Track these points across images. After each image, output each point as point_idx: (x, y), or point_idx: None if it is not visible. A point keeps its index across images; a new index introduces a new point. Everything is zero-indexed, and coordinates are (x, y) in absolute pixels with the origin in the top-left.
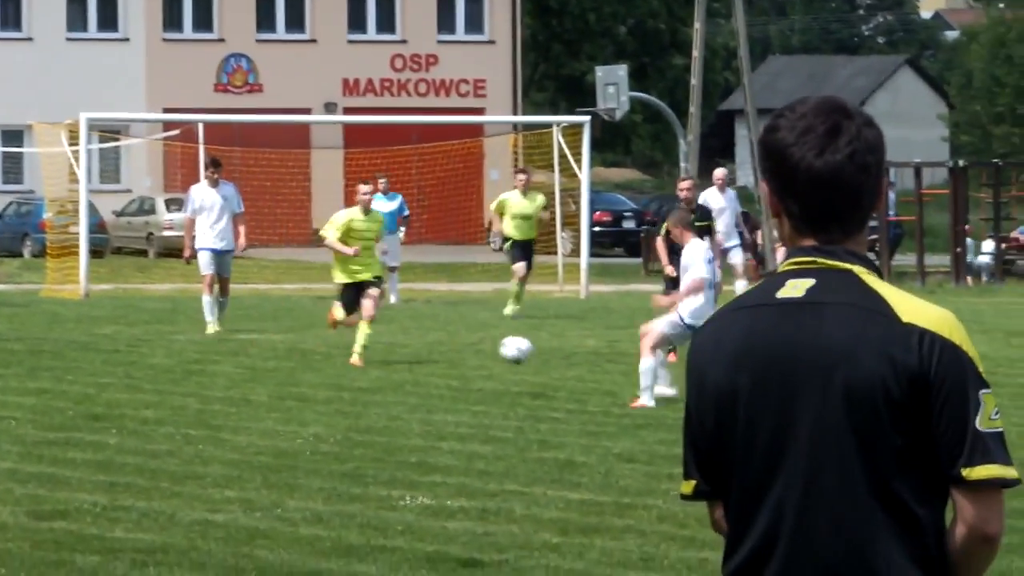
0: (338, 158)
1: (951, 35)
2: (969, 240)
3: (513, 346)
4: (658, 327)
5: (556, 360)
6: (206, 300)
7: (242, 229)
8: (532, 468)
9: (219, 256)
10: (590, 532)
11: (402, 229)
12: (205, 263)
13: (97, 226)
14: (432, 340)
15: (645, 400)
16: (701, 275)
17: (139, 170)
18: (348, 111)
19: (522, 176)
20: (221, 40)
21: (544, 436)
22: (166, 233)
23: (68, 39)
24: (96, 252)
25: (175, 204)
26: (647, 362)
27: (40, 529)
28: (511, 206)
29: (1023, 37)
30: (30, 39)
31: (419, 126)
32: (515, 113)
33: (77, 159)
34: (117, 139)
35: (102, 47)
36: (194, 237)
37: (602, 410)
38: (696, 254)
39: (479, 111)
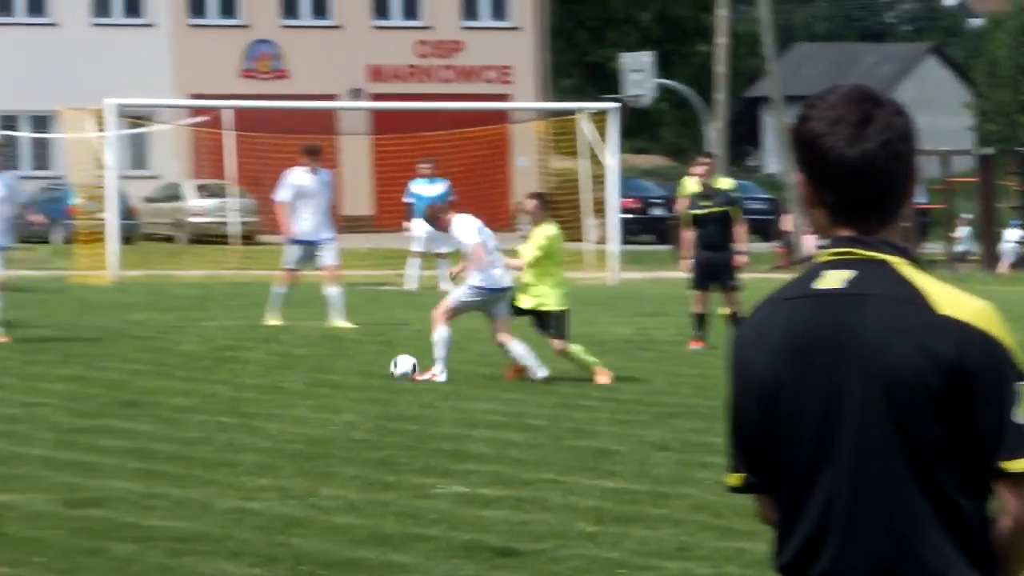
0: (365, 144)
1: (975, 23)
2: (966, 229)
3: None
4: (451, 299)
5: (587, 348)
6: (278, 291)
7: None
8: (566, 456)
9: (314, 246)
10: (626, 521)
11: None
12: (292, 258)
13: (126, 212)
14: (466, 327)
15: (437, 371)
16: (473, 242)
17: (167, 156)
18: (374, 97)
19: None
20: (246, 26)
21: (578, 424)
22: (194, 219)
23: (93, 25)
24: (125, 238)
25: (205, 190)
26: (440, 332)
27: (75, 517)
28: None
29: None
30: (55, 24)
31: (445, 113)
32: (541, 99)
33: (104, 145)
34: (143, 125)
35: (127, 33)
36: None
37: (634, 398)
38: (464, 228)
39: (505, 97)
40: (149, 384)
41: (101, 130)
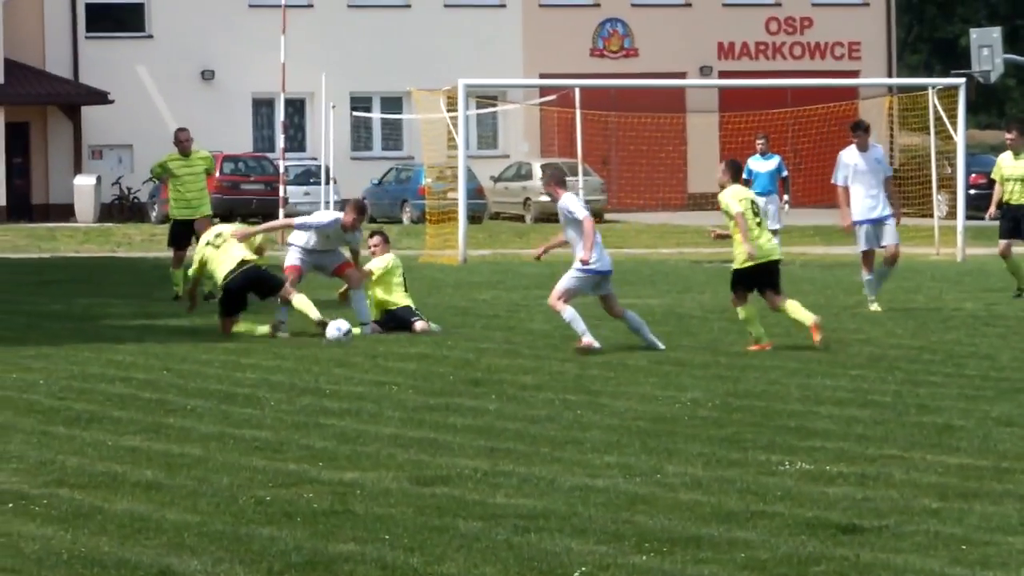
0: (713, 122)
1: None
2: None
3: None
4: (562, 284)
5: (933, 323)
6: (866, 278)
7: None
8: (910, 432)
9: (876, 226)
10: (969, 497)
11: (786, 196)
12: (863, 240)
13: (475, 192)
14: (809, 303)
15: (588, 340)
16: (585, 215)
17: (516, 135)
18: (723, 75)
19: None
20: (596, 5)
21: (922, 400)
22: (543, 198)
23: (446, 5)
24: (474, 218)
25: None
26: (567, 312)
27: (422, 494)
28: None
29: None
30: (408, 6)
31: (794, 89)
32: (889, 75)
33: (455, 125)
34: (494, 105)
35: (480, 13)
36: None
37: (980, 374)
38: (571, 204)
39: (853, 74)
40: (496, 362)
41: (452, 110)
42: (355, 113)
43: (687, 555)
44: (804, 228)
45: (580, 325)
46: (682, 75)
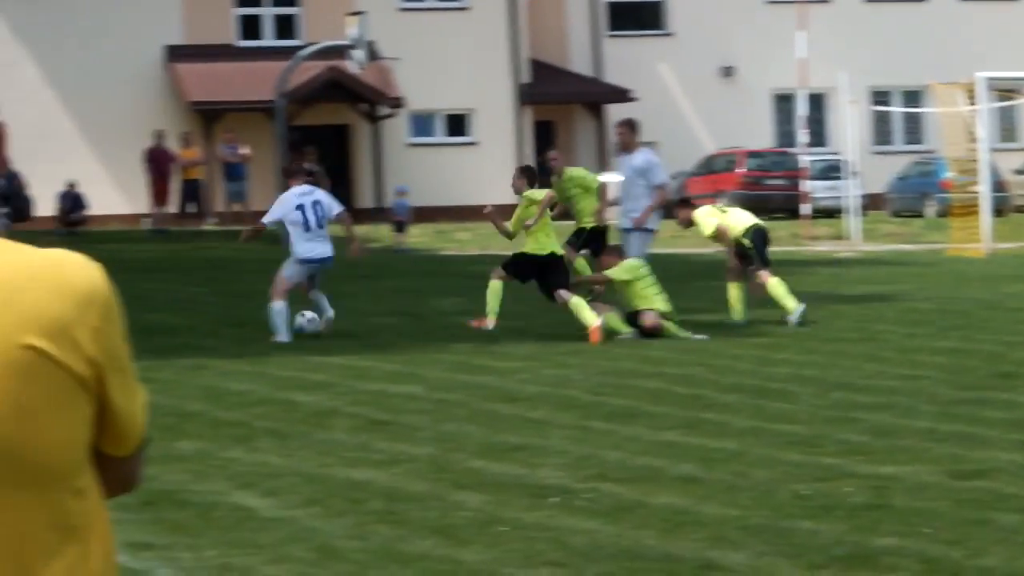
0: None
1: None
2: None
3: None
4: (282, 273)
5: None
6: None
7: None
8: None
9: None
10: None
11: None
12: None
13: (997, 185)
14: None
15: (281, 337)
16: (266, 220)
17: None
18: None
19: None
20: None
21: None
22: None
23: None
24: (996, 211)
25: None
26: (277, 304)
27: (960, 488)
28: None
29: None
30: (925, 1)
31: None
32: None
33: (975, 118)
34: (1012, 98)
35: (996, 5)
36: None
37: None
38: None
39: None
40: None
41: (972, 104)
42: (874, 108)
43: None
44: None
45: (279, 320)
46: None
